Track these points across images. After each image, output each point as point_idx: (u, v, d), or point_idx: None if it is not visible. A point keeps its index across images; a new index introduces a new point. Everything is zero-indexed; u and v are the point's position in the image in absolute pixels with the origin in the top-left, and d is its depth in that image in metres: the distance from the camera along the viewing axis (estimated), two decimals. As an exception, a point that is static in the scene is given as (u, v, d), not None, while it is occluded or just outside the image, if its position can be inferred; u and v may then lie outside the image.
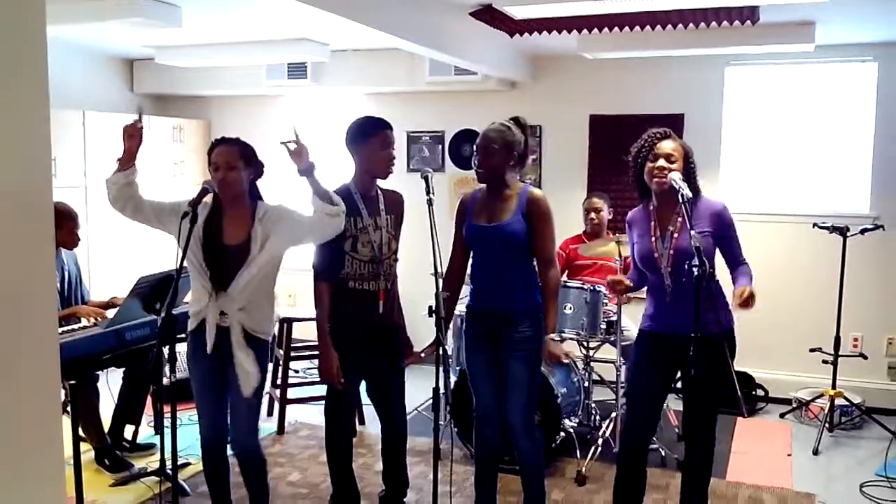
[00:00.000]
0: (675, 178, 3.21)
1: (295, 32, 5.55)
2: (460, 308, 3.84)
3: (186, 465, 4.43)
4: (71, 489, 3.39)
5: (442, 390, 3.18)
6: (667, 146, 3.28)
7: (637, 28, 4.84)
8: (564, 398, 4.46)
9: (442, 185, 6.57)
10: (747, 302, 3.16)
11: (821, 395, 5.27)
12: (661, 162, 3.26)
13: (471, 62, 5.29)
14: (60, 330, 3.49)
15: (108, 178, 3.38)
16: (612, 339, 4.66)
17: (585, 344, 4.91)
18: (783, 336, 5.80)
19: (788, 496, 4.20)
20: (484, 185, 3.50)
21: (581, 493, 4.19)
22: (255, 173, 3.42)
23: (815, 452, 4.81)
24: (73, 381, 3.51)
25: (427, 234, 3.14)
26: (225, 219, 3.34)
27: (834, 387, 5.13)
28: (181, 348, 4.46)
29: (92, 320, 4.03)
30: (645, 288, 3.52)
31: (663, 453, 4.54)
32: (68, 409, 3.64)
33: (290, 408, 5.15)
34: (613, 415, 4.66)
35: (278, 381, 5.16)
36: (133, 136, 3.41)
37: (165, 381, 3.73)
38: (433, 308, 3.19)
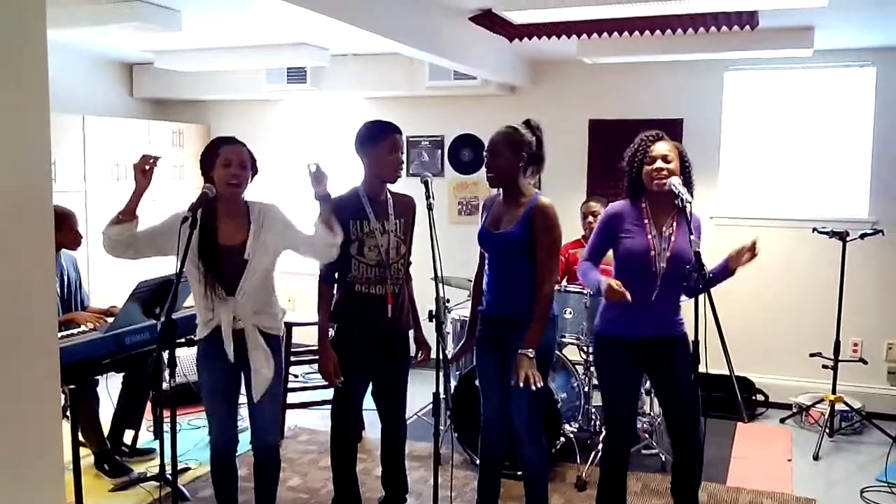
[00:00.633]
0: (675, 182, 3.21)
1: (294, 37, 5.55)
2: (462, 313, 3.84)
3: (186, 469, 4.42)
4: (70, 494, 3.39)
5: (442, 395, 3.17)
6: (662, 147, 3.29)
7: (636, 33, 4.85)
8: (565, 403, 4.46)
9: (441, 189, 6.58)
10: (754, 246, 3.23)
11: (821, 400, 5.27)
12: (659, 163, 3.26)
13: (470, 67, 5.29)
14: (60, 335, 3.49)
15: (106, 231, 3.25)
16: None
17: (585, 349, 4.90)
18: (783, 341, 5.80)
19: (789, 501, 4.19)
20: (500, 190, 3.49)
21: (581, 498, 4.18)
22: (252, 175, 3.44)
23: (816, 458, 4.81)
24: (72, 386, 3.51)
25: (427, 238, 3.13)
26: (220, 220, 3.34)
27: (834, 392, 5.12)
28: (181, 353, 4.47)
29: (90, 325, 4.02)
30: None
31: (663, 458, 4.53)
32: (68, 413, 3.64)
33: (289, 413, 5.14)
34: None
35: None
36: (146, 173, 3.27)
37: (165, 385, 3.72)
38: (433, 313, 3.19)
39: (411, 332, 3.71)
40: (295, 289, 6.38)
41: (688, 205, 3.17)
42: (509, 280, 3.42)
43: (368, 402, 3.73)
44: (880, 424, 5.12)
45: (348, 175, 3.67)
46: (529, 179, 3.51)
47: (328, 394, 3.66)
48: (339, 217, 3.44)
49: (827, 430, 5.07)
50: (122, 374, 4.51)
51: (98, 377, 4.38)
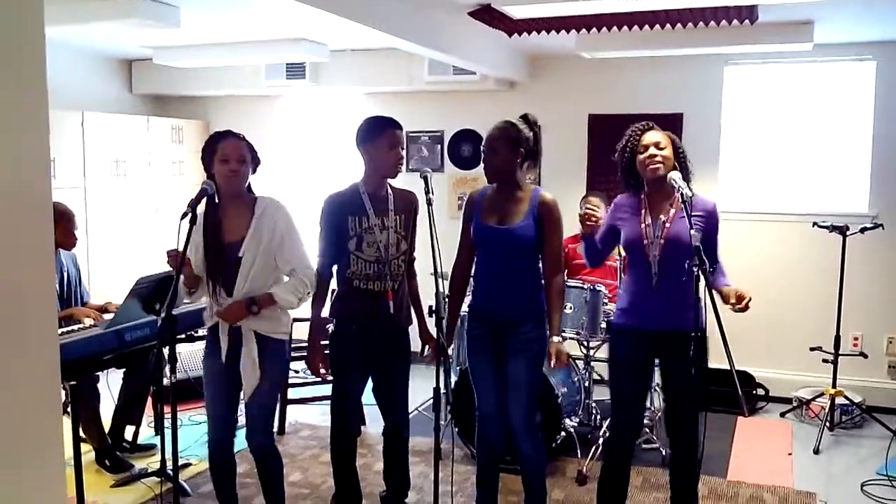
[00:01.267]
0: (676, 177, 3.21)
1: (293, 32, 5.54)
2: (461, 309, 3.83)
3: (187, 465, 4.43)
4: (72, 490, 3.39)
5: (443, 390, 3.18)
6: (652, 136, 3.30)
7: (636, 27, 4.84)
8: (565, 398, 4.46)
9: (441, 184, 6.58)
10: (746, 306, 3.16)
11: (821, 394, 5.28)
12: (652, 150, 3.27)
13: (469, 62, 5.28)
14: (60, 331, 3.49)
15: (187, 301, 3.35)
16: (613, 338, 4.66)
17: (586, 343, 4.90)
18: (783, 335, 5.81)
19: (789, 495, 4.20)
20: (493, 184, 3.49)
21: (582, 493, 4.19)
22: (254, 169, 3.43)
23: (816, 451, 4.81)
24: (73, 382, 3.51)
25: (427, 233, 3.13)
26: (225, 216, 3.34)
27: (834, 386, 5.13)
28: (182, 349, 4.47)
29: (90, 321, 4.02)
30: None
31: (664, 452, 4.54)
32: (69, 409, 3.64)
33: (290, 408, 5.15)
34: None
35: (278, 382, 5.15)
36: (176, 259, 3.21)
37: (166, 381, 3.72)
38: (433, 308, 3.19)
39: (412, 329, 3.70)
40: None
41: (689, 200, 3.16)
42: (510, 275, 3.41)
43: (370, 397, 3.73)
44: (881, 418, 5.13)
45: (347, 171, 3.65)
46: (528, 175, 3.51)
47: (329, 389, 3.66)
48: (337, 213, 3.44)
49: (827, 424, 5.08)
50: (122, 370, 4.52)
51: (99, 373, 4.38)
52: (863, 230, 5.04)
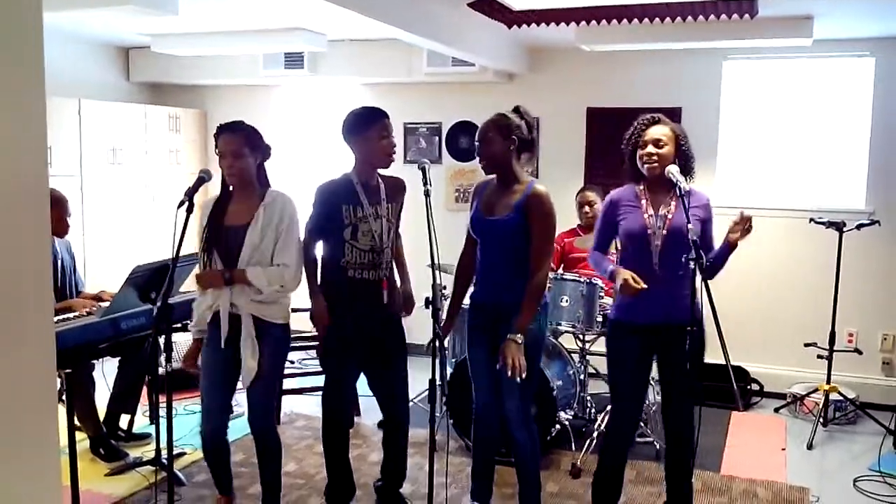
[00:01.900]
0: (673, 171, 3.23)
1: (292, 22, 5.52)
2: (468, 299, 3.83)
3: (182, 454, 4.42)
4: (66, 478, 3.39)
5: (438, 382, 3.18)
6: (655, 132, 3.30)
7: (635, 21, 4.83)
8: (560, 391, 4.46)
9: (439, 176, 6.56)
10: (747, 226, 3.18)
11: (815, 390, 5.29)
12: (650, 148, 3.29)
13: (468, 53, 5.27)
14: (55, 319, 3.48)
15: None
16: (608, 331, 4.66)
17: (581, 337, 4.91)
18: (778, 331, 5.82)
19: (782, 490, 4.21)
20: (495, 176, 3.49)
21: (576, 486, 4.20)
22: (262, 157, 3.41)
23: (810, 447, 4.83)
24: (68, 370, 3.50)
25: (424, 225, 3.13)
26: (232, 204, 3.37)
27: (828, 382, 5.14)
28: (177, 338, 4.46)
29: (85, 311, 4.01)
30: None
31: (658, 446, 4.55)
32: (64, 398, 3.64)
33: (285, 398, 5.16)
34: (609, 408, 4.66)
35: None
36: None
37: (161, 370, 3.72)
38: (429, 299, 3.19)
39: (405, 319, 3.71)
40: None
41: (686, 194, 3.17)
42: (502, 267, 3.42)
43: (365, 388, 3.73)
44: (874, 414, 5.14)
45: (344, 161, 3.65)
46: (526, 167, 3.51)
47: (323, 380, 3.66)
48: (331, 202, 3.44)
49: (821, 420, 5.09)
50: (118, 359, 4.51)
51: (94, 362, 4.37)
52: (859, 226, 5.04)
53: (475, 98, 6.41)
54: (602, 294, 4.66)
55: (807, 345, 5.32)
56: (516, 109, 3.49)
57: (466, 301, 3.80)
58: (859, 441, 4.97)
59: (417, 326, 4.09)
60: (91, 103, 6.18)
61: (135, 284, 3.77)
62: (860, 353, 5.45)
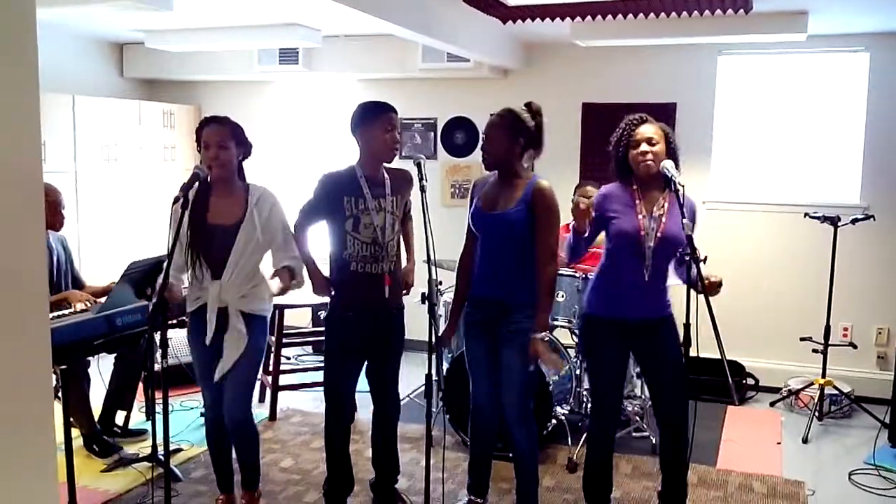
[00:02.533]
0: (668, 166, 3.23)
1: (286, 17, 5.51)
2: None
3: (178, 450, 4.42)
4: (62, 475, 3.39)
5: (434, 377, 3.18)
6: (646, 130, 3.30)
7: (630, 16, 4.84)
8: (556, 386, 4.47)
9: (434, 172, 6.55)
10: (717, 287, 3.17)
11: (811, 384, 5.30)
12: (644, 146, 3.28)
13: (463, 49, 5.26)
14: (51, 315, 3.47)
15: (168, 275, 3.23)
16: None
17: (577, 332, 4.91)
18: (773, 325, 5.83)
19: (778, 483, 4.23)
20: (495, 172, 3.48)
21: (572, 480, 4.20)
22: (244, 153, 3.44)
23: (805, 441, 4.84)
24: (63, 367, 3.50)
25: (420, 221, 3.13)
26: (213, 200, 3.37)
27: (824, 376, 5.16)
28: (173, 334, 4.46)
29: (81, 306, 4.00)
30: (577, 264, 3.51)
31: (653, 440, 4.56)
32: (59, 394, 3.63)
33: (282, 394, 5.15)
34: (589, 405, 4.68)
35: (270, 368, 5.15)
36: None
37: (157, 366, 3.72)
38: (426, 295, 3.19)
39: (406, 313, 3.71)
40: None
41: (681, 188, 3.17)
42: (503, 262, 3.41)
43: (361, 383, 3.74)
44: (869, 408, 5.16)
45: (339, 157, 3.65)
46: (526, 163, 3.50)
47: (320, 376, 3.67)
48: (333, 192, 3.44)
49: (816, 414, 5.11)
50: (113, 355, 4.50)
51: (89, 358, 4.36)
52: (854, 221, 5.05)
53: (470, 94, 6.41)
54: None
55: (802, 339, 5.33)
56: (529, 106, 3.46)
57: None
58: (854, 435, 4.99)
59: (416, 322, 4.08)
60: (85, 99, 6.16)
61: (130, 281, 3.77)
62: (855, 347, 5.47)
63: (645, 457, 4.48)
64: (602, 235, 4.77)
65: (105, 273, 4.71)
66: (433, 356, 3.15)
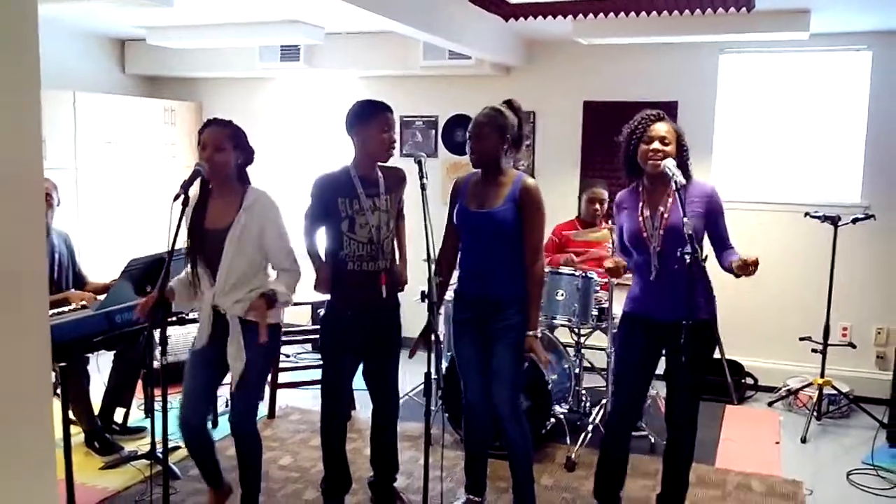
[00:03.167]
0: (669, 165, 3.22)
1: (288, 14, 5.50)
2: (451, 294, 3.83)
3: (177, 448, 4.42)
4: (61, 472, 3.39)
5: (433, 376, 3.18)
6: (661, 128, 3.29)
7: (632, 14, 4.83)
8: (555, 384, 4.47)
9: (435, 170, 6.55)
10: (750, 267, 3.10)
11: (809, 384, 5.30)
12: (656, 144, 3.26)
13: (465, 46, 5.26)
14: (50, 312, 3.48)
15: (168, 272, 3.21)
16: (604, 325, 4.67)
17: (577, 331, 4.92)
18: (773, 325, 5.83)
19: (776, 483, 4.23)
20: (479, 170, 3.49)
21: (571, 479, 4.20)
22: (245, 158, 3.39)
23: (803, 440, 4.84)
24: (63, 364, 3.50)
25: (420, 218, 3.12)
26: (211, 203, 3.33)
27: (822, 375, 5.15)
28: (172, 331, 4.46)
29: (81, 304, 4.00)
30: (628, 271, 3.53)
31: (652, 440, 4.56)
32: (58, 391, 3.63)
33: (281, 392, 5.15)
34: (603, 401, 4.69)
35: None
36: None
37: (156, 364, 3.72)
38: (425, 293, 3.19)
39: (403, 311, 3.71)
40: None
41: (682, 188, 3.17)
42: (491, 259, 3.42)
43: (359, 382, 3.74)
44: (867, 408, 5.15)
45: (340, 154, 3.64)
46: (523, 162, 3.52)
47: (319, 374, 3.66)
48: (327, 195, 3.43)
49: (815, 414, 5.11)
50: (112, 353, 4.50)
51: (89, 355, 4.36)
52: (854, 221, 5.05)
53: (472, 91, 6.40)
54: (598, 288, 4.67)
55: (801, 339, 5.33)
56: (509, 103, 3.48)
57: (450, 295, 3.80)
58: (853, 434, 4.99)
59: (415, 320, 4.07)
60: (86, 96, 6.16)
61: (130, 278, 3.77)
62: (854, 346, 5.47)
63: (644, 456, 4.48)
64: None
65: (105, 270, 4.71)
66: (432, 354, 3.15)
